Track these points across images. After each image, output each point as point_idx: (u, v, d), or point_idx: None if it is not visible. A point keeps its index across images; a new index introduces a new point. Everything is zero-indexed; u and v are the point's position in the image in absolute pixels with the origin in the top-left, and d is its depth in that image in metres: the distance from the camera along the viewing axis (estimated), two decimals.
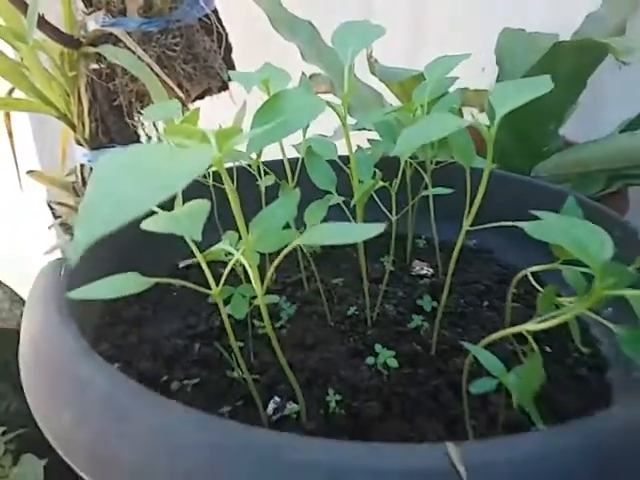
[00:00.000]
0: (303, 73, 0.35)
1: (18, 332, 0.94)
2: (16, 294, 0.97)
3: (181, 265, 0.39)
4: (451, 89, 0.45)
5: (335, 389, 0.31)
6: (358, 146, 0.38)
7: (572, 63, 0.44)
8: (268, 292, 0.39)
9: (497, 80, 0.61)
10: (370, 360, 0.32)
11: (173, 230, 0.20)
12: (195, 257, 0.26)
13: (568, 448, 0.20)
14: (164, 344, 0.35)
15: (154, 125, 0.73)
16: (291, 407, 0.30)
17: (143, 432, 0.21)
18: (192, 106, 0.73)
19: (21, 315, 0.97)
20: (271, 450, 0.20)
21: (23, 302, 0.97)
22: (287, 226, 0.36)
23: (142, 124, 0.71)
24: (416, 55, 0.76)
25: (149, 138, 0.74)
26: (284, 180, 0.36)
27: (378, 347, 0.33)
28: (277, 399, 0.30)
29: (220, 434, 0.21)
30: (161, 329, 0.37)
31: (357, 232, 0.20)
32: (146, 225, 0.21)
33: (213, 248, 0.28)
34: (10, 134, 0.75)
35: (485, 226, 0.29)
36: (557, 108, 0.48)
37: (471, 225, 0.29)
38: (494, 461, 0.19)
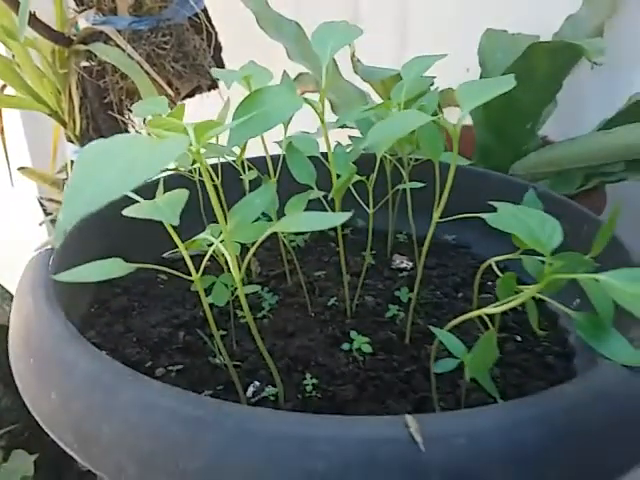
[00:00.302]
0: (285, 72, 0.37)
1: (8, 328, 0.95)
2: (6, 291, 0.98)
3: (165, 255, 0.41)
4: (437, 88, 0.47)
5: (312, 374, 0.32)
6: (337, 142, 0.39)
7: (547, 64, 0.46)
8: (252, 284, 0.41)
9: (480, 79, 0.62)
10: (346, 346, 0.34)
11: (153, 216, 0.22)
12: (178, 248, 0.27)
13: (520, 420, 0.21)
14: (150, 332, 0.36)
15: (144, 122, 0.74)
16: (269, 390, 0.31)
17: (126, 408, 0.23)
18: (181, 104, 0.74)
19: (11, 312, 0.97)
20: (245, 422, 0.22)
21: (13, 298, 0.97)
22: (270, 219, 0.38)
23: (132, 121, 0.73)
24: (402, 55, 0.78)
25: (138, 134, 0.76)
26: (266, 175, 0.37)
27: (353, 334, 0.34)
28: (257, 383, 0.32)
29: (198, 408, 0.22)
30: (147, 319, 0.38)
31: (325, 220, 0.22)
32: (128, 212, 0.22)
33: (195, 238, 0.29)
34: (1, 130, 0.77)
35: (452, 218, 0.31)
36: (534, 108, 0.50)
37: (445, 219, 0.31)
38: (450, 431, 0.21)
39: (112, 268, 0.24)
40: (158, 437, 0.22)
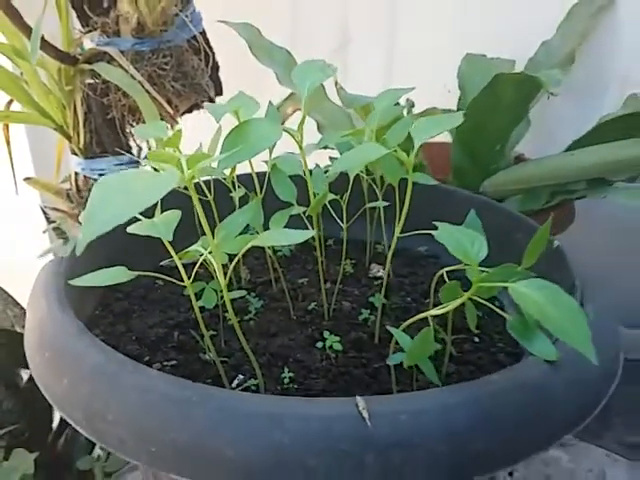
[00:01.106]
0: (270, 102, 0.42)
1: (11, 332, 1.01)
2: (9, 296, 1.03)
3: (162, 263, 0.46)
4: (411, 113, 0.52)
5: (290, 369, 0.37)
6: (316, 164, 0.45)
7: (511, 93, 0.51)
8: (241, 289, 0.46)
9: (458, 101, 0.68)
10: (319, 344, 0.39)
11: (151, 233, 0.27)
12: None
13: (453, 402, 0.26)
14: (147, 332, 0.41)
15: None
16: (252, 382, 0.36)
17: (127, 392, 0.28)
18: (180, 119, 0.80)
19: (14, 317, 1.04)
20: (227, 402, 0.27)
21: (16, 303, 1.03)
22: (256, 232, 0.43)
23: (133, 136, 0.78)
24: (391, 75, 0.83)
25: (140, 149, 0.81)
26: (253, 192, 0.43)
27: (326, 334, 0.39)
28: (241, 376, 0.37)
29: (186, 391, 0.27)
30: (145, 320, 0.43)
31: (291, 236, 0.27)
32: (131, 229, 0.28)
33: (187, 249, 0.34)
34: (8, 143, 0.82)
35: (412, 233, 0.36)
36: (501, 131, 0.55)
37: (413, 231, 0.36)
38: (394, 410, 0.26)
39: (117, 275, 0.29)
40: (154, 415, 0.27)
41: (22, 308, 1.02)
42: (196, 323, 0.43)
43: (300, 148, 0.38)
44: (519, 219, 0.46)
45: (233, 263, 0.31)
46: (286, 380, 0.36)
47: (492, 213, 0.49)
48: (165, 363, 0.39)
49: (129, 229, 0.28)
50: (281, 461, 0.25)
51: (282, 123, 0.76)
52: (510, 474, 0.55)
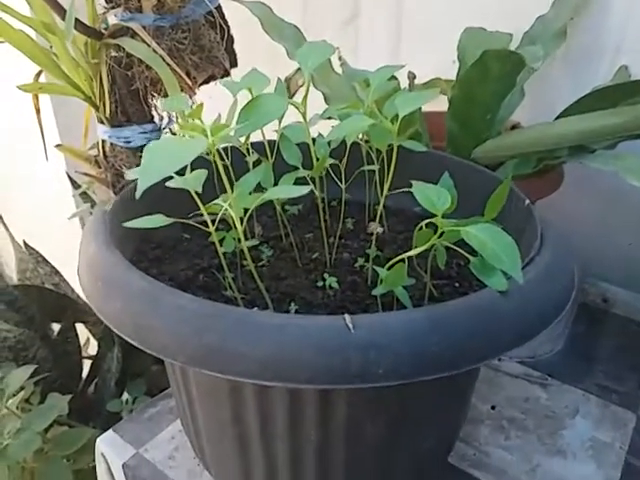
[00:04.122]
0: (279, 78, 0.51)
1: (42, 289, 1.15)
2: (40, 255, 1.15)
3: (190, 215, 0.55)
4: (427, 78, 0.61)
5: (296, 303, 0.47)
6: (319, 133, 0.53)
7: (498, 67, 0.58)
8: (253, 240, 0.55)
9: (457, 72, 0.75)
10: (319, 283, 0.49)
11: (184, 186, 0.36)
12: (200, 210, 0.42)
13: (415, 318, 0.36)
14: (178, 274, 0.51)
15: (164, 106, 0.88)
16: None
17: (167, 310, 0.38)
18: (198, 90, 0.88)
19: (45, 275, 1.18)
20: (244, 316, 0.36)
21: (46, 262, 1.14)
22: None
23: (155, 106, 0.87)
24: (398, 49, 0.91)
25: (161, 118, 0.90)
26: (265, 157, 0.52)
27: (326, 276, 0.49)
28: (255, 308, 0.47)
29: (213, 308, 0.37)
30: (175, 266, 0.53)
31: (294, 190, 0.36)
32: (169, 183, 0.37)
33: (211, 203, 0.44)
34: (38, 111, 0.92)
35: (400, 191, 0.45)
36: (491, 102, 0.62)
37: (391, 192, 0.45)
38: (370, 322, 0.35)
39: (158, 220, 0.39)
40: (187, 324, 0.37)
41: (52, 267, 1.14)
42: (218, 269, 0.53)
43: (304, 119, 0.47)
44: (499, 181, 0.55)
45: (248, 214, 0.40)
46: (292, 312, 0.46)
47: (477, 176, 0.58)
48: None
49: (168, 183, 0.37)
50: (284, 356, 0.34)
51: (294, 93, 0.84)
52: (493, 408, 0.64)
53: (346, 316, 0.36)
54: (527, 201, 0.50)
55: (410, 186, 0.44)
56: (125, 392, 1.02)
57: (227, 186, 0.39)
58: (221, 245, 0.47)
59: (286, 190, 0.36)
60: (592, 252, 0.87)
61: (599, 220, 0.89)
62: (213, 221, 0.42)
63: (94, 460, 0.79)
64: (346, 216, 0.62)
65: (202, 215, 0.41)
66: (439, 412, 0.49)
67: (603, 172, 0.58)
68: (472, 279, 0.52)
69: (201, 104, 0.46)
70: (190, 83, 0.82)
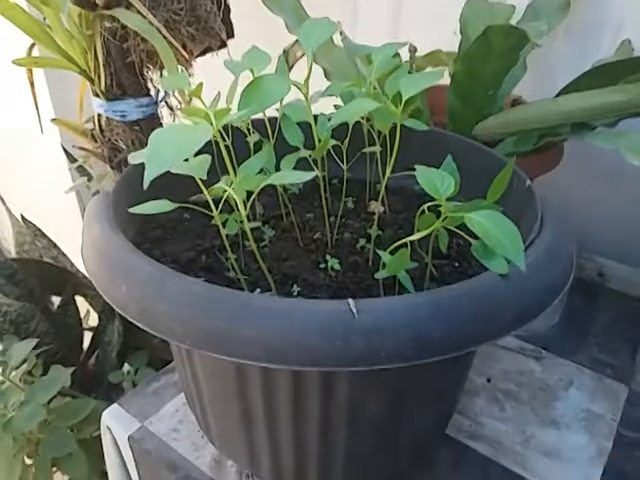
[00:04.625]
0: (280, 57, 0.50)
1: (41, 262, 1.16)
2: (38, 228, 1.15)
3: (191, 199, 0.56)
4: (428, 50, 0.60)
5: (299, 285, 0.48)
6: (321, 113, 0.53)
7: (501, 42, 0.58)
8: (256, 221, 0.56)
9: (459, 46, 0.74)
10: (322, 265, 0.49)
11: (188, 172, 0.36)
12: (202, 193, 0.42)
13: (418, 302, 0.37)
14: (180, 256, 0.52)
15: (160, 75, 0.87)
16: (267, 294, 0.47)
17: (171, 292, 0.38)
18: (195, 63, 0.87)
19: (43, 248, 1.18)
20: (250, 300, 0.37)
21: (44, 235, 1.14)
22: (269, 172, 0.52)
23: (151, 79, 0.86)
24: (398, 21, 0.89)
25: (157, 91, 0.89)
26: (266, 138, 0.51)
27: (328, 257, 0.50)
28: (258, 290, 0.47)
29: (220, 293, 0.38)
30: (177, 247, 0.54)
31: (298, 176, 0.36)
32: (175, 169, 0.37)
33: (214, 186, 0.44)
34: (32, 85, 0.91)
35: (403, 173, 0.45)
36: (493, 77, 0.62)
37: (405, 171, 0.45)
38: (374, 307, 0.36)
39: (163, 205, 0.39)
40: (193, 308, 0.37)
41: (50, 240, 1.14)
42: (219, 249, 0.53)
43: (306, 100, 0.46)
44: (500, 161, 0.55)
45: (251, 198, 0.41)
46: (295, 294, 0.47)
47: (479, 155, 0.58)
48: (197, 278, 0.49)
49: (172, 170, 0.37)
50: (289, 341, 0.35)
51: (292, 66, 0.83)
52: (488, 380, 0.66)
53: (350, 301, 0.36)
54: (528, 182, 0.51)
55: (413, 168, 0.44)
56: (126, 363, 1.03)
57: (230, 168, 0.39)
58: (224, 227, 0.47)
59: (290, 175, 0.36)
60: (588, 227, 0.88)
61: (597, 196, 0.90)
62: (216, 203, 0.42)
63: (97, 429, 0.81)
64: (347, 195, 0.62)
65: (204, 196, 0.42)
66: (439, 389, 0.51)
67: (602, 148, 0.58)
68: (471, 259, 0.53)
69: (201, 83, 0.45)
70: (187, 55, 0.80)
